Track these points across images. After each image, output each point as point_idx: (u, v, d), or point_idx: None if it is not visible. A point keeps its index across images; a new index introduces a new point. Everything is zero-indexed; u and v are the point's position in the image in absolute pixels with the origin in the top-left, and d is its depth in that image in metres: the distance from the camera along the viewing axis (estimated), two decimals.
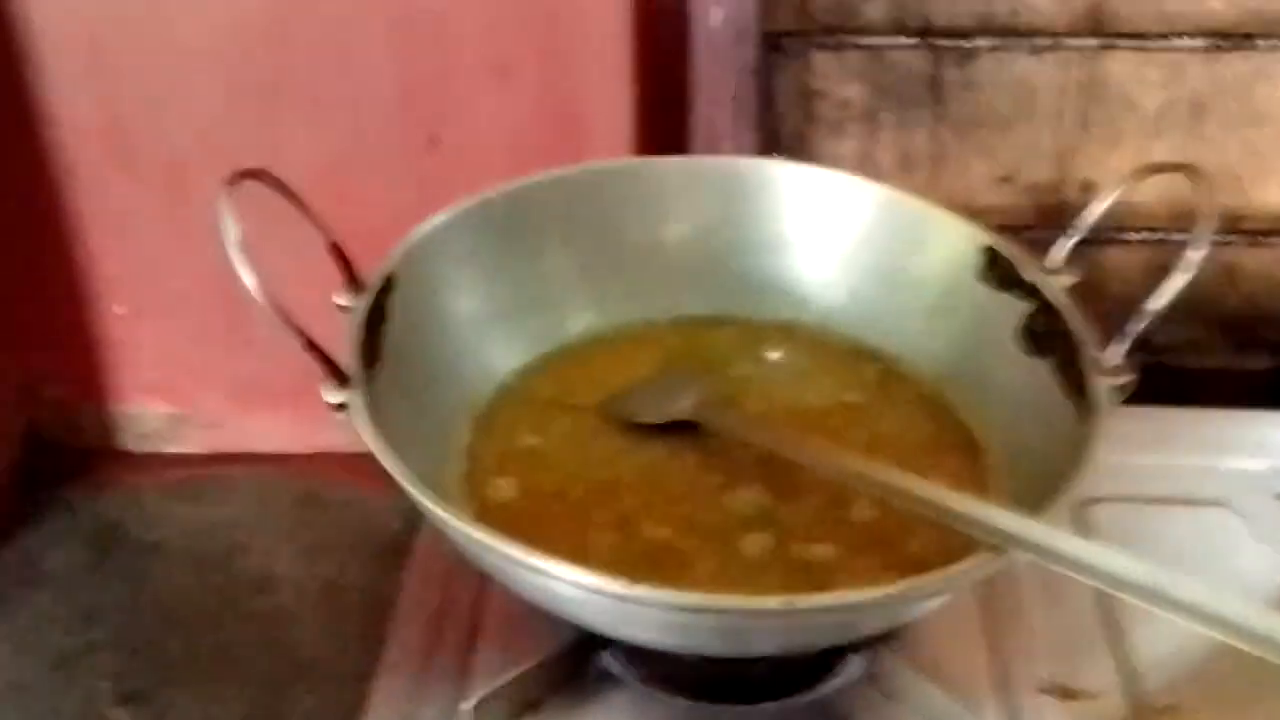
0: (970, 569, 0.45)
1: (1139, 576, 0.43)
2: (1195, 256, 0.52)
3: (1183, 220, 0.80)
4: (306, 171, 0.53)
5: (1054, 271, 0.59)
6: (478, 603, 0.60)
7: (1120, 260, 0.80)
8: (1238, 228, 0.79)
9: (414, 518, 0.65)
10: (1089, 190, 0.79)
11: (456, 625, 0.59)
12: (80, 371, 0.86)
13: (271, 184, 0.51)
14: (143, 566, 0.79)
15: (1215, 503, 0.67)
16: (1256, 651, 0.40)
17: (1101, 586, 0.44)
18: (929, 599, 0.48)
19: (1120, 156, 0.78)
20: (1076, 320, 0.56)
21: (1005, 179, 0.79)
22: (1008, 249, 0.60)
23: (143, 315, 0.84)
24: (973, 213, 0.62)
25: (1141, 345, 0.83)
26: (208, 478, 0.85)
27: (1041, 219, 0.80)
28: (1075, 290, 0.58)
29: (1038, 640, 0.58)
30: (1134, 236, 0.79)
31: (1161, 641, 0.58)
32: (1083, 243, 0.77)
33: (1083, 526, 0.64)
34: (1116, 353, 0.54)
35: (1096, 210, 0.58)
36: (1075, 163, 0.78)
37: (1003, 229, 0.61)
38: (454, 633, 0.59)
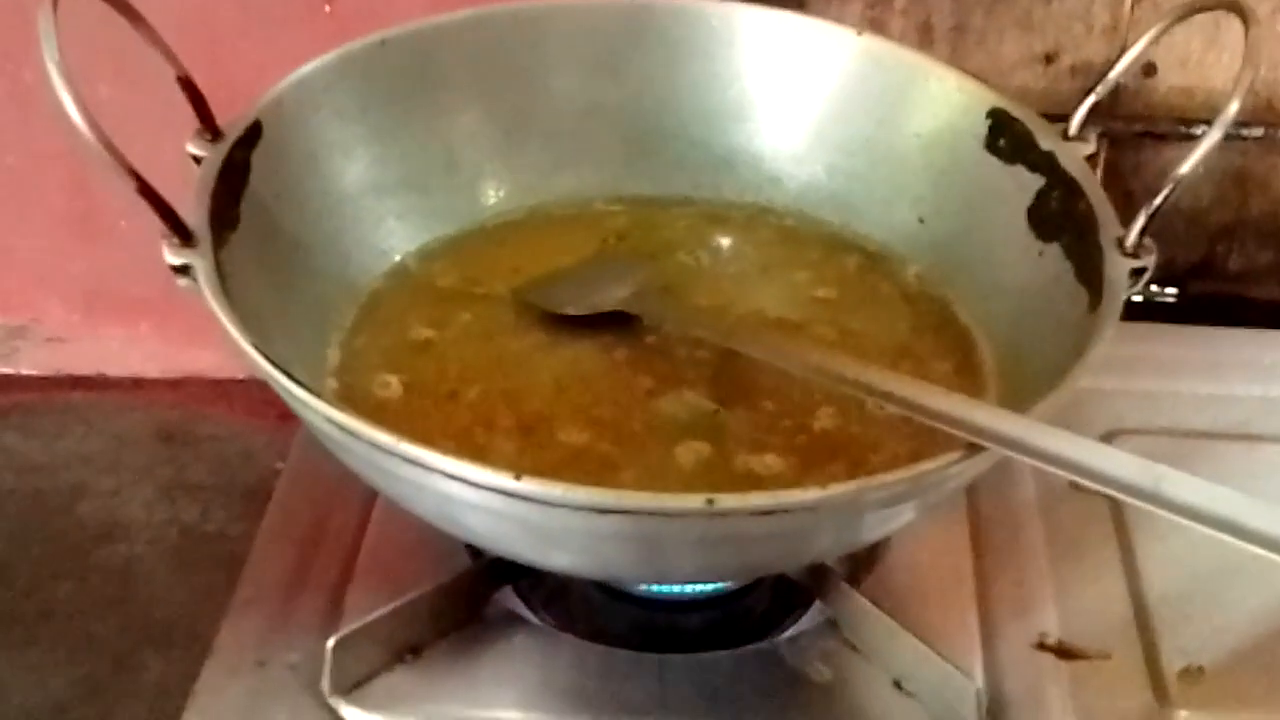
0: (936, 468, 0.47)
1: (1132, 473, 0.44)
2: (1233, 110, 0.53)
3: (1265, 114, 0.81)
4: (172, 14, 0.54)
5: (1074, 139, 0.61)
6: (358, 528, 0.62)
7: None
8: None
9: None
10: (1152, 75, 0.80)
11: (329, 554, 0.61)
12: None
13: None
14: None
15: (1278, 438, 0.68)
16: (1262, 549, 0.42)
17: (1092, 486, 0.45)
18: (887, 506, 0.49)
19: (1190, 31, 0.77)
20: (1095, 192, 0.58)
21: (1047, 57, 0.80)
22: (1021, 111, 0.62)
23: None
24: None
25: (1209, 272, 0.83)
26: (47, 404, 0.86)
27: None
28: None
29: (1039, 587, 0.60)
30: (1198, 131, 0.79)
31: (1188, 593, 0.59)
32: (1138, 138, 0.78)
33: None
34: (1137, 229, 0.55)
35: (1126, 59, 0.61)
36: (1135, 39, 0.76)
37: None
38: (325, 562, 0.61)
